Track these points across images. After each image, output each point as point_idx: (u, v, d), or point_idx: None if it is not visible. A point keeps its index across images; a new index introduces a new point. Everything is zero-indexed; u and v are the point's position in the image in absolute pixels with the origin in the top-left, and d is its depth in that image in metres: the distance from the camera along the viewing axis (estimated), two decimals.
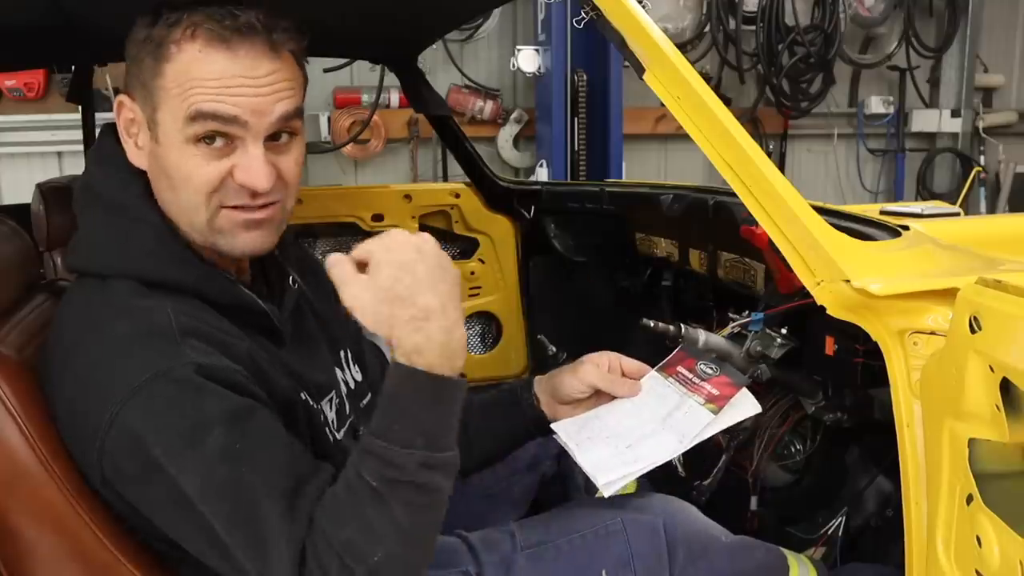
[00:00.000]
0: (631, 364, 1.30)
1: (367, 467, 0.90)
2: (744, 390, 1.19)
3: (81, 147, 2.56)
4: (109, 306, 1.01)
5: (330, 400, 1.19)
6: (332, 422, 1.18)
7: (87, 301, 1.04)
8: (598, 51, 4.49)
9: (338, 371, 1.26)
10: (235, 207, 1.04)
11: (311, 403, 1.11)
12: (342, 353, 1.30)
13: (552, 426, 1.29)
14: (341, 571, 0.88)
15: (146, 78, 1.02)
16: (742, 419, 1.19)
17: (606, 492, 1.16)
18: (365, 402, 1.30)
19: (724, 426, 1.18)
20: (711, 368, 1.22)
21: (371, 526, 0.89)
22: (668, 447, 1.17)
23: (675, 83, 1.13)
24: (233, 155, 1.02)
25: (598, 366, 1.28)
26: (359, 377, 1.32)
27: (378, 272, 0.92)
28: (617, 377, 1.27)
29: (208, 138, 1.01)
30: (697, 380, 1.22)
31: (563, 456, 1.42)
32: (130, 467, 0.94)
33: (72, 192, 1.14)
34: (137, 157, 1.07)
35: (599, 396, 1.29)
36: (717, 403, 1.18)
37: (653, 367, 1.31)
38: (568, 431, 1.26)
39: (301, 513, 0.91)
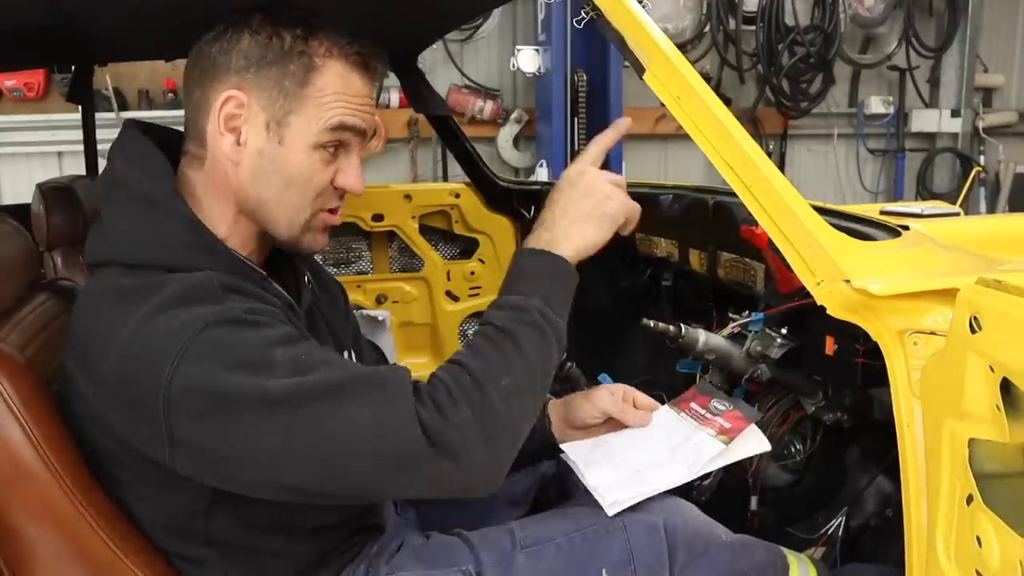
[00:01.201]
0: (643, 399, 1.32)
1: (497, 316, 1.05)
2: (754, 426, 1.21)
3: (81, 147, 2.56)
4: (146, 283, 1.00)
5: None
6: None
7: (118, 285, 1.02)
8: (598, 51, 4.50)
9: None
10: (330, 210, 1.15)
11: None
12: (345, 354, 1.30)
13: (562, 446, 1.30)
14: (471, 389, 0.97)
15: (290, 83, 1.07)
16: (751, 455, 1.21)
17: (610, 511, 1.18)
18: None
19: (733, 459, 1.20)
20: (724, 404, 1.25)
21: (504, 355, 1.02)
22: (676, 475, 1.19)
23: (675, 83, 1.13)
24: (336, 162, 1.12)
25: (612, 394, 1.31)
26: None
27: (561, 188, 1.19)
28: (629, 407, 1.30)
29: (332, 146, 1.10)
30: (709, 415, 1.25)
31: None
32: (206, 408, 0.92)
33: (73, 192, 1.14)
34: (235, 152, 1.08)
35: (610, 424, 1.31)
36: (728, 435, 1.20)
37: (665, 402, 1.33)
38: (577, 452, 1.28)
39: (397, 388, 0.96)
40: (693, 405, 1.27)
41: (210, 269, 1.03)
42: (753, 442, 1.20)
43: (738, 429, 1.20)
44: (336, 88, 1.09)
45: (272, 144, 1.08)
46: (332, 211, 1.16)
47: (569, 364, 1.95)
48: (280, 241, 1.14)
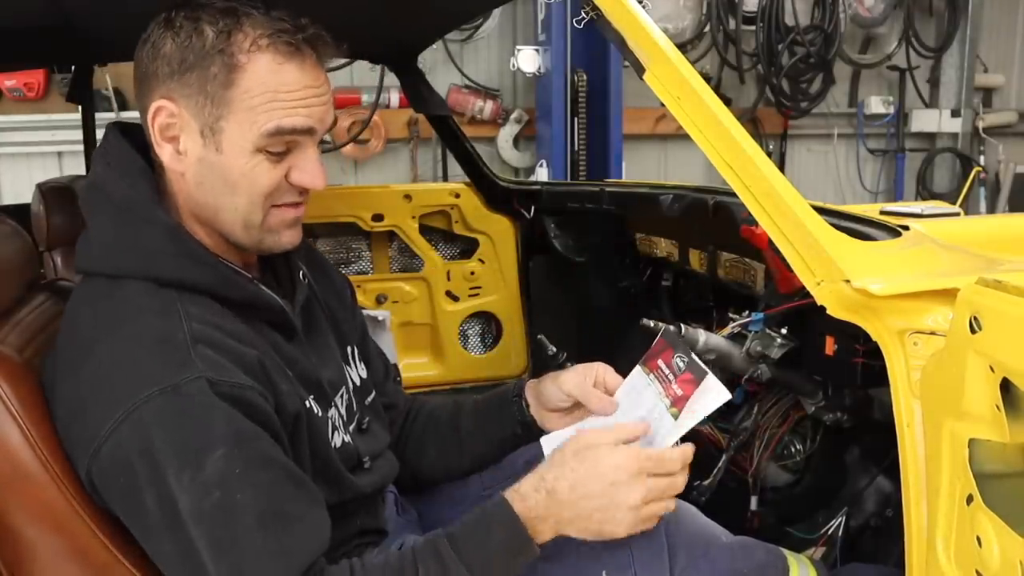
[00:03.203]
0: (613, 379, 1.25)
1: (425, 560, 0.98)
2: (706, 381, 1.14)
3: (81, 147, 2.56)
4: (122, 308, 1.00)
5: (341, 396, 1.19)
6: (342, 419, 1.18)
7: (99, 302, 1.03)
8: (598, 51, 4.49)
9: (345, 367, 1.26)
10: (285, 205, 1.08)
11: (316, 411, 1.11)
12: (349, 349, 1.30)
13: (541, 440, 1.27)
14: None
15: (212, 87, 1.00)
16: (708, 413, 1.15)
17: None
18: (370, 399, 1.31)
19: (688, 428, 1.15)
20: (683, 362, 1.19)
21: None
22: None
23: (675, 83, 1.13)
24: (288, 158, 1.06)
25: (582, 376, 1.25)
26: (364, 374, 1.32)
27: (590, 453, 1.04)
28: (593, 391, 1.24)
29: (277, 148, 1.03)
30: (671, 376, 1.19)
31: None
32: (124, 478, 0.93)
33: (73, 192, 1.14)
34: (177, 162, 1.05)
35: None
36: (678, 405, 1.15)
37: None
38: (552, 445, 1.23)
39: (288, 553, 0.92)
40: (660, 363, 1.21)
41: (196, 278, 1.03)
42: (707, 401, 1.14)
43: (686, 397, 1.15)
44: (267, 86, 1.00)
45: (210, 152, 1.02)
46: (292, 206, 1.09)
47: (570, 364, 1.95)
48: (241, 246, 1.10)
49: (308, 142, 1.06)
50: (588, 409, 1.24)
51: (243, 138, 1.01)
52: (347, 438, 1.17)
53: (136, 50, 1.06)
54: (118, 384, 0.94)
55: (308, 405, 1.08)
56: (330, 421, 1.14)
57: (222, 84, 1.00)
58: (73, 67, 2.39)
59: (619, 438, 1.06)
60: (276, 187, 1.06)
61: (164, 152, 1.05)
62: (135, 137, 1.10)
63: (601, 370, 1.26)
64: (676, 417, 1.14)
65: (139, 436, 0.91)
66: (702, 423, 1.30)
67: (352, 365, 1.29)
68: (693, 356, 1.18)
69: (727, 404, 1.16)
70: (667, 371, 1.19)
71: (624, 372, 1.27)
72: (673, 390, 1.17)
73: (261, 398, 0.97)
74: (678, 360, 1.19)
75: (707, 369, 1.15)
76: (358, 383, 1.28)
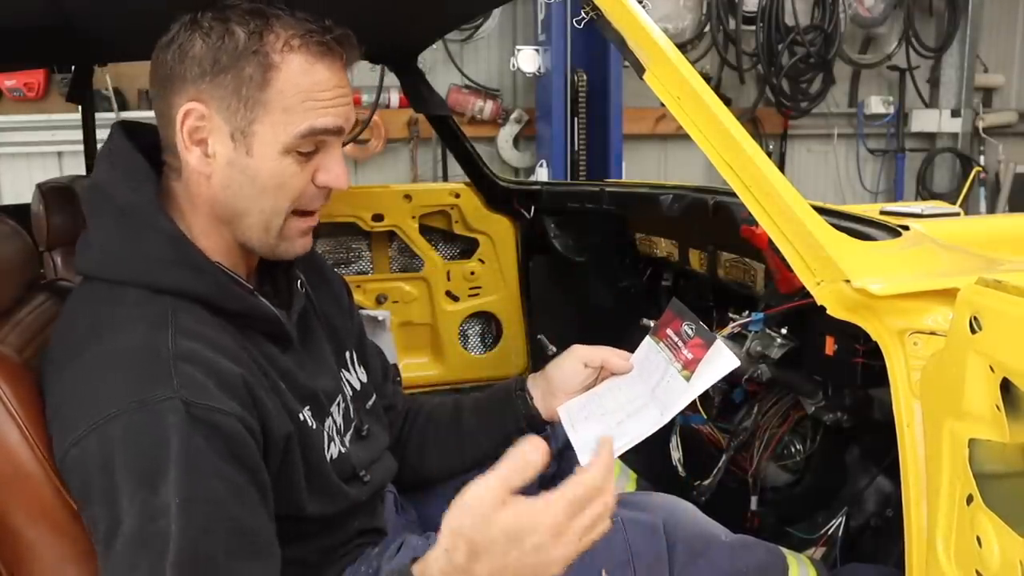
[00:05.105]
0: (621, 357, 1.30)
1: None
2: (715, 346, 1.15)
3: (81, 147, 2.56)
4: (114, 315, 1.00)
5: (337, 405, 1.19)
6: (338, 429, 1.18)
7: (94, 306, 1.03)
8: (598, 51, 4.50)
9: (344, 372, 1.26)
10: (302, 213, 1.08)
11: (311, 423, 1.09)
12: (347, 354, 1.29)
13: (558, 408, 1.30)
14: None
15: (248, 88, 1.00)
16: (719, 378, 1.15)
17: None
18: (370, 404, 1.30)
19: (701, 390, 1.16)
20: (691, 328, 1.21)
21: None
22: (650, 421, 1.17)
23: (675, 83, 1.13)
24: (315, 159, 1.06)
25: (588, 347, 1.30)
26: (364, 378, 1.31)
27: (496, 537, 0.87)
28: (609, 349, 1.28)
29: (307, 149, 1.04)
30: (680, 343, 1.21)
31: (563, 456, 1.43)
32: (81, 488, 0.94)
33: (73, 192, 1.14)
34: (204, 164, 1.03)
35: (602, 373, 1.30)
36: (689, 368, 1.17)
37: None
38: (571, 411, 1.28)
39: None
40: (669, 331, 1.23)
41: (192, 287, 1.02)
42: (718, 365, 1.15)
43: (697, 360, 1.16)
44: (300, 86, 1.01)
45: (240, 155, 1.02)
46: (306, 216, 1.10)
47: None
48: (254, 250, 1.10)
49: (335, 142, 1.07)
50: (602, 375, 1.28)
51: (275, 139, 1.01)
52: (343, 448, 1.17)
53: (157, 51, 1.05)
54: (93, 394, 0.93)
55: (302, 418, 1.07)
56: (325, 432, 1.13)
57: (258, 86, 1.00)
58: (73, 67, 2.39)
59: (507, 486, 0.88)
60: (303, 190, 1.06)
61: (191, 155, 1.03)
62: (140, 138, 1.10)
63: (607, 350, 1.29)
64: (688, 379, 1.16)
65: (102, 451, 0.90)
66: (706, 417, 1.29)
67: (350, 370, 1.29)
68: (701, 323, 1.19)
69: (727, 404, 1.17)
70: (676, 338, 1.21)
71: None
72: (684, 355, 1.20)
73: (239, 423, 0.94)
74: (687, 328, 1.21)
75: (716, 334, 1.17)
76: (357, 388, 1.28)
